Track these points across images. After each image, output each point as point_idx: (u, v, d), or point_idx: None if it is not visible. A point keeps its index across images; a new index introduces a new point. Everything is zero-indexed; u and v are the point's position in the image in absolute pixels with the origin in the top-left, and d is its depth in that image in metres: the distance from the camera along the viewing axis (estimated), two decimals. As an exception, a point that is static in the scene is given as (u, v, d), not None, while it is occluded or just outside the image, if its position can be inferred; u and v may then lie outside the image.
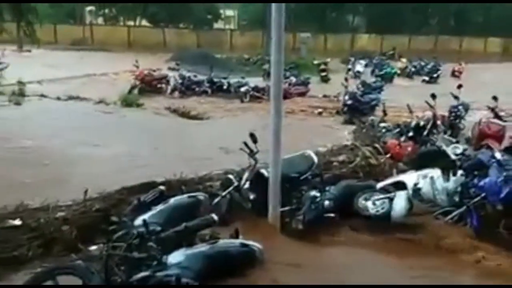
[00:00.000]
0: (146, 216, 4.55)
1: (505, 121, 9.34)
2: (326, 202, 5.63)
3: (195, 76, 17.65)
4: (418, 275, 4.75)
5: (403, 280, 4.59)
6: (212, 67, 18.99)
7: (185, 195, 5.14)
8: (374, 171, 6.89)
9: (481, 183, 5.63)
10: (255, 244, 4.54)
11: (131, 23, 41.18)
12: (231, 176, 5.92)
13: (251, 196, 5.65)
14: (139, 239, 3.96)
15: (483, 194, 5.53)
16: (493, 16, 39.43)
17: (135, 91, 15.98)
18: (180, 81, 16.85)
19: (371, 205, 5.79)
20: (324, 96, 16.63)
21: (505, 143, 8.44)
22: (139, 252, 3.82)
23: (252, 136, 5.66)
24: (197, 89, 16.79)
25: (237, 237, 4.60)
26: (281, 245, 5.14)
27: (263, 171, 5.68)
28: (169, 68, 20.66)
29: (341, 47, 35.17)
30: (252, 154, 5.66)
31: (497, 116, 9.56)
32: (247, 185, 5.71)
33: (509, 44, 39.33)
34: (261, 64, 22.93)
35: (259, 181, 5.63)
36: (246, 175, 5.75)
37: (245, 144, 5.67)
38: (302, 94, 16.80)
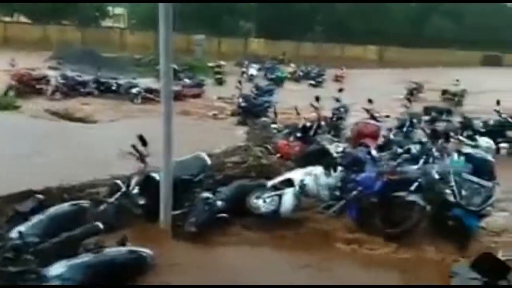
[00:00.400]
0: (22, 227, 4.17)
1: (379, 121, 10.28)
2: (219, 203, 5.69)
3: (79, 76, 16.56)
4: (305, 265, 5.04)
5: (291, 272, 4.85)
6: (99, 66, 18.01)
7: (67, 204, 4.81)
8: (265, 170, 7.11)
9: (358, 178, 6.16)
10: (145, 250, 4.43)
11: (7, 18, 37.33)
12: (118, 181, 5.67)
13: (141, 201, 5.48)
14: (14, 252, 3.63)
15: (360, 188, 6.04)
16: (371, 26, 43.27)
17: (12, 92, 14.53)
18: (62, 81, 15.65)
19: (262, 203, 5.99)
20: (219, 98, 16.80)
21: (380, 141, 9.37)
22: (15, 266, 3.51)
23: (141, 138, 5.50)
24: (82, 90, 15.77)
25: (124, 244, 4.42)
26: (173, 249, 5.08)
27: (153, 174, 5.55)
28: (50, 67, 19.13)
29: (235, 51, 35.86)
30: (141, 157, 5.50)
31: (372, 117, 10.50)
32: (136, 190, 5.52)
33: (384, 52, 43.78)
34: (154, 65, 22.38)
35: (149, 185, 5.49)
36: (135, 180, 5.57)
37: (134, 147, 5.49)
38: (197, 96, 16.78)
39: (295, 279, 4.75)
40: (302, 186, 6.06)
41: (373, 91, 16.18)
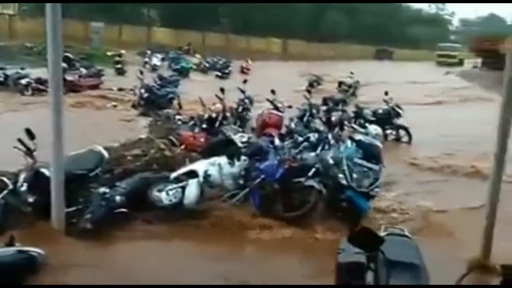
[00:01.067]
0: None
1: (282, 112, 10.65)
2: (118, 198, 5.47)
3: (-41, 66, 14.83)
4: (210, 256, 5.06)
5: (196, 263, 4.85)
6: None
7: None
8: (168, 162, 6.99)
9: (261, 166, 6.35)
10: (35, 250, 4.11)
11: None
12: (4, 179, 5.17)
13: (30, 199, 5.06)
14: None
15: (262, 176, 6.23)
16: (275, 19, 44.49)
17: None
18: None
19: (165, 195, 5.89)
20: (120, 89, 16.13)
21: (282, 131, 9.73)
22: None
23: (28, 132, 5.07)
24: (-34, 81, 14.16)
25: (12, 244, 4.07)
26: (67, 247, 4.79)
27: (43, 170, 5.16)
28: None
29: (137, 40, 34.58)
30: (29, 152, 5.07)
31: (276, 107, 10.85)
32: (24, 187, 5.09)
33: (287, 45, 45.35)
34: (46, 54, 20.74)
35: (39, 182, 5.09)
36: (22, 176, 5.12)
37: (20, 141, 5.04)
38: (95, 87, 15.94)
39: (201, 268, 4.76)
40: (206, 176, 6.07)
41: (276, 82, 16.71)
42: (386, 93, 11.84)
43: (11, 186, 5.08)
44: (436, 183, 8.13)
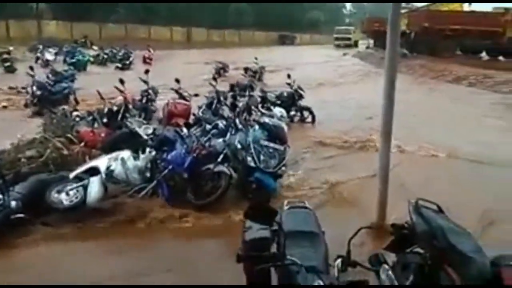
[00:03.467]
0: None
1: (189, 100, 10.54)
2: (13, 203, 5.08)
3: None
4: (119, 252, 4.93)
5: (103, 260, 4.70)
6: None
7: None
8: (67, 162, 6.59)
9: (168, 156, 6.26)
10: None
11: None
12: None
13: None
14: None
15: (170, 166, 6.15)
16: (178, 7, 43.53)
17: None
18: None
19: (65, 196, 5.56)
20: (10, 88, 14.80)
21: (190, 120, 9.65)
22: None
23: None
24: None
25: None
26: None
27: None
28: None
29: (27, 35, 31.79)
30: None
31: (182, 97, 10.69)
32: None
33: (191, 33, 44.71)
34: None
35: None
36: None
37: None
38: (-19, 87, 14.41)
39: (109, 265, 4.63)
40: (109, 172, 5.84)
41: (182, 71, 16.51)
42: (289, 76, 12.26)
43: None
44: (338, 157, 8.66)
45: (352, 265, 2.61)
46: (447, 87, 19.00)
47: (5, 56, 20.04)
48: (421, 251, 2.99)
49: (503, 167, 7.89)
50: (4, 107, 12.17)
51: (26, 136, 7.43)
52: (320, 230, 3.01)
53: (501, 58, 25.12)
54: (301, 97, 11.87)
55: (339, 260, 2.55)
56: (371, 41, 35.61)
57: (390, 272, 2.79)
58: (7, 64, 19.46)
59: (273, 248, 2.93)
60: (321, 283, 2.02)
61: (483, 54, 26.30)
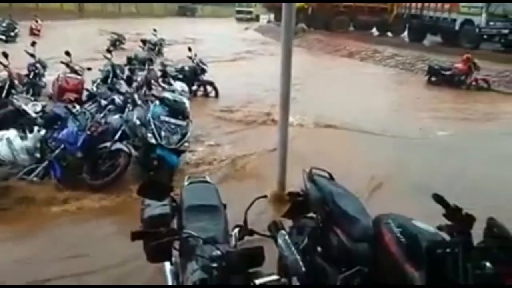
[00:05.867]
0: None
1: (81, 74, 9.87)
2: None
3: None
4: (10, 236, 4.64)
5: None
6: None
7: None
8: None
9: (59, 135, 5.86)
10: None
11: None
12: None
13: None
14: None
15: (62, 146, 5.78)
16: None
17: None
18: None
19: None
20: None
21: (83, 95, 9.10)
22: None
23: None
24: None
25: None
26: None
27: None
28: None
29: None
30: None
31: (73, 70, 9.96)
32: None
33: (83, 4, 41.41)
34: None
35: None
36: None
37: None
38: None
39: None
40: (-7, 154, 5.33)
41: (74, 43, 15.34)
42: (190, 49, 12.05)
43: None
44: (241, 132, 8.85)
45: (249, 234, 2.73)
46: (341, 61, 20.18)
47: None
48: (314, 216, 3.23)
49: (388, 136, 8.70)
50: None
51: None
52: (220, 203, 3.08)
53: (389, 34, 27.21)
54: (203, 71, 11.79)
55: (236, 230, 2.65)
56: (272, 16, 36.22)
57: (286, 237, 2.98)
58: None
59: (174, 224, 2.95)
60: (218, 253, 2.09)
61: (374, 30, 28.26)
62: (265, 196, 3.87)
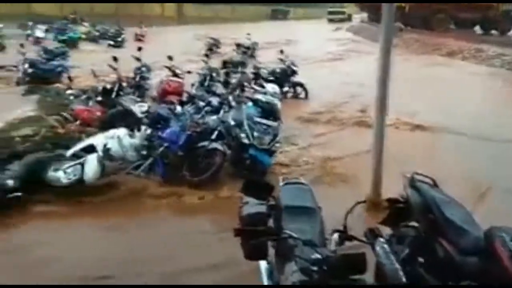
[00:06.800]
0: None
1: (182, 78, 10.47)
2: (10, 182, 5.12)
3: None
4: (117, 225, 5.02)
5: (102, 235, 4.78)
6: None
7: None
8: (63, 140, 6.57)
9: (163, 134, 6.28)
10: None
11: None
12: None
13: None
14: None
15: (165, 144, 6.18)
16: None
17: None
18: None
19: (63, 174, 5.61)
20: (1, 67, 14.53)
21: (183, 97, 9.61)
22: None
23: None
24: None
25: None
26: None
27: None
28: None
29: (16, 11, 31.04)
30: None
31: (175, 74, 10.61)
32: None
33: (182, 8, 43.88)
34: None
35: None
36: None
37: None
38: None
39: (110, 241, 4.70)
40: (106, 150, 5.84)
41: (174, 48, 16.29)
42: (282, 52, 12.19)
43: None
44: (332, 133, 8.72)
45: (348, 239, 2.68)
46: (441, 60, 18.97)
47: (-5, 34, 19.68)
48: (416, 224, 3.07)
49: (491, 141, 7.98)
50: (-5, 86, 12.02)
51: (19, 114, 7.43)
52: (316, 205, 3.06)
53: (494, 32, 25.00)
54: (294, 72, 11.83)
55: (336, 234, 2.61)
56: (365, 15, 35.20)
57: (385, 246, 2.87)
58: (-3, 42, 19.13)
59: (270, 223, 3.00)
60: (318, 256, 2.08)
61: (477, 28, 26.15)
62: (364, 202, 3.76)
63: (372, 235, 3.08)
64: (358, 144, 7.40)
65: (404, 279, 2.60)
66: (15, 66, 13.36)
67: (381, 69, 5.25)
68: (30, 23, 23.23)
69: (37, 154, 5.90)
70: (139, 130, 6.28)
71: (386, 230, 3.34)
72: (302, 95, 11.62)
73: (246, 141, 6.26)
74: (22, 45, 12.56)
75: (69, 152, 5.87)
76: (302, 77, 11.94)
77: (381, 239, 2.98)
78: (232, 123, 6.50)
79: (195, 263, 4.19)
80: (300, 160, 7.06)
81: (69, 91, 9.24)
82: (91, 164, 5.70)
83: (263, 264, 2.98)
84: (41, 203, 5.34)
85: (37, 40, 19.87)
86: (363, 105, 9.81)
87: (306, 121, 9.41)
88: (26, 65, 11.93)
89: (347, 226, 2.64)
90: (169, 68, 10.70)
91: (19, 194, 5.14)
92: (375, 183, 5.43)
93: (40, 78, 11.57)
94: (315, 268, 2.04)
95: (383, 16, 5.25)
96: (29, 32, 21.88)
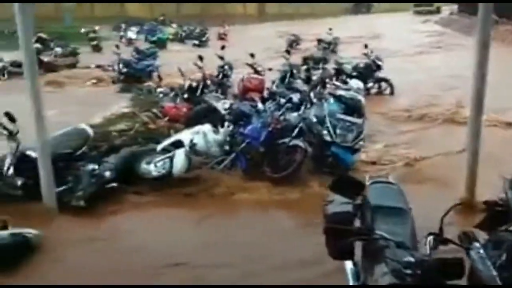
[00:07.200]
0: None
1: (263, 75, 10.60)
2: (107, 173, 5.53)
3: None
4: (203, 217, 5.23)
5: (189, 224, 5.06)
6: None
7: None
8: (153, 135, 7.01)
9: (245, 130, 6.41)
10: (29, 231, 4.19)
11: None
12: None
13: (19, 182, 5.09)
14: None
15: (247, 140, 6.30)
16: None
17: None
18: None
19: (154, 167, 5.95)
20: (98, 66, 15.82)
21: (264, 94, 9.72)
22: None
23: (8, 115, 5.02)
24: None
25: (5, 228, 4.13)
26: (62, 224, 4.87)
27: (29, 152, 5.16)
28: None
29: (110, 14, 33.55)
30: (11, 135, 5.04)
31: (256, 71, 10.77)
32: (11, 171, 5.09)
33: (263, 6, 44.31)
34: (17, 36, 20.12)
35: (26, 164, 5.11)
36: (8, 160, 5.11)
37: (1, 125, 5.00)
38: (71, 66, 15.62)
39: (197, 232, 4.91)
40: (192, 145, 6.09)
41: (255, 45, 16.53)
42: (366, 46, 11.83)
43: (-3, 171, 5.07)
44: (419, 131, 8.29)
45: (443, 243, 2.52)
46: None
47: (91, 35, 21.40)
48: (516, 229, 2.82)
49: None
50: (94, 83, 13.10)
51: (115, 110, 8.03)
52: (407, 206, 2.93)
53: None
54: (379, 68, 11.42)
55: (430, 237, 2.47)
56: (455, 7, 32.93)
57: (481, 251, 2.67)
58: (94, 42, 20.77)
59: (356, 223, 2.92)
60: (411, 259, 1.98)
61: None
62: (461, 204, 3.53)
63: (467, 239, 2.88)
64: (448, 143, 6.99)
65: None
66: (110, 66, 14.48)
67: (478, 64, 4.90)
68: (123, 25, 24.96)
69: (131, 148, 6.35)
70: (222, 126, 6.47)
71: (481, 235, 3.11)
72: (387, 91, 11.18)
73: (328, 138, 6.19)
74: (117, 46, 13.56)
75: (159, 147, 6.22)
76: (387, 72, 11.49)
77: (477, 244, 2.78)
78: (314, 119, 6.46)
79: (275, 260, 4.22)
80: (385, 158, 6.81)
81: (159, 89, 9.82)
82: (179, 158, 5.98)
83: (348, 264, 2.92)
84: (135, 194, 5.71)
85: (130, 41, 21.29)
86: (454, 102, 9.17)
87: (392, 118, 9.05)
88: (121, 65, 12.85)
89: (443, 229, 2.49)
90: (250, 66, 10.89)
91: (115, 184, 5.54)
92: (470, 184, 5.08)
93: (133, 77, 12.43)
94: (408, 271, 1.95)
95: (480, 7, 4.87)
96: (122, 33, 23.51)
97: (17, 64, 13.73)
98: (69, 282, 3.80)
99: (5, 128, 5.02)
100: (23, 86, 5.15)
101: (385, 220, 2.66)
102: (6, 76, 13.89)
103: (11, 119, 5.01)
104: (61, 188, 5.21)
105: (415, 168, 6.46)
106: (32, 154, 5.12)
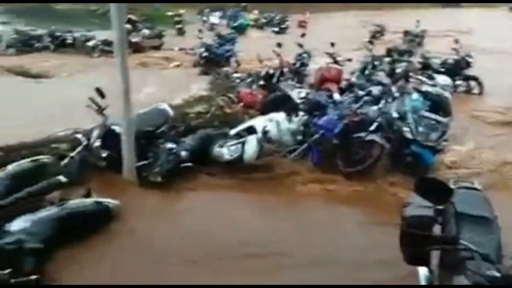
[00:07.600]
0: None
1: (342, 65, 10.31)
2: (183, 153, 5.72)
3: (33, 30, 15.76)
4: (271, 205, 5.27)
5: (257, 209, 5.13)
6: (53, 19, 17.21)
7: (27, 160, 4.69)
8: (228, 119, 7.13)
9: (320, 121, 6.27)
10: (110, 200, 4.46)
11: None
12: (79, 136, 5.55)
13: (104, 154, 5.43)
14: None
15: (321, 131, 6.17)
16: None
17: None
18: (14, 36, 14.89)
19: (226, 151, 6.05)
20: (181, 49, 16.38)
21: (342, 85, 9.46)
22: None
23: (99, 91, 5.35)
24: (37, 44, 15.09)
25: (89, 196, 4.44)
26: (139, 197, 5.13)
27: (114, 127, 5.48)
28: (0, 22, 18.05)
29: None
30: (100, 110, 5.38)
31: (335, 61, 10.50)
32: (98, 143, 5.44)
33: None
34: (109, 16, 21.44)
35: (111, 138, 5.43)
36: (95, 133, 5.47)
37: (92, 100, 5.34)
38: (157, 48, 16.36)
39: (262, 217, 4.96)
40: (265, 132, 6.08)
41: (336, 35, 16.13)
42: (456, 41, 11.06)
43: (85, 142, 5.45)
44: (508, 135, 7.64)
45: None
46: None
47: (176, 18, 22.17)
48: None
49: None
50: (177, 66, 13.62)
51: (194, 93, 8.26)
52: (493, 215, 2.69)
53: None
54: (468, 65, 10.63)
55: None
56: None
57: None
58: (179, 26, 21.52)
59: (436, 229, 2.74)
60: (497, 274, 1.81)
61: None
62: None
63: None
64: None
65: None
66: (192, 49, 14.93)
67: None
68: (207, 10, 25.56)
69: (207, 130, 6.51)
70: (296, 115, 6.40)
71: None
72: (476, 90, 10.40)
73: (409, 135, 5.86)
74: (200, 31, 13.93)
75: (232, 131, 6.30)
76: (477, 70, 10.67)
77: None
78: (395, 115, 6.15)
79: (338, 255, 4.13)
80: (470, 162, 6.36)
81: (236, 75, 9.94)
82: (251, 144, 6.00)
83: (422, 270, 2.75)
84: (207, 175, 5.87)
85: (212, 26, 21.77)
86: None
87: (479, 119, 8.41)
88: (202, 49, 13.20)
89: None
90: (330, 55, 10.62)
91: (190, 164, 5.72)
92: None
93: (213, 61, 12.71)
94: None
95: None
96: (205, 18, 24.09)
97: (107, 43, 14.77)
98: (143, 255, 3.98)
99: (95, 103, 5.36)
100: (112, 64, 5.43)
101: (470, 229, 2.46)
102: (97, 53, 14.82)
103: (101, 94, 5.34)
104: (140, 163, 5.49)
105: (503, 174, 5.96)
106: (117, 129, 5.43)
